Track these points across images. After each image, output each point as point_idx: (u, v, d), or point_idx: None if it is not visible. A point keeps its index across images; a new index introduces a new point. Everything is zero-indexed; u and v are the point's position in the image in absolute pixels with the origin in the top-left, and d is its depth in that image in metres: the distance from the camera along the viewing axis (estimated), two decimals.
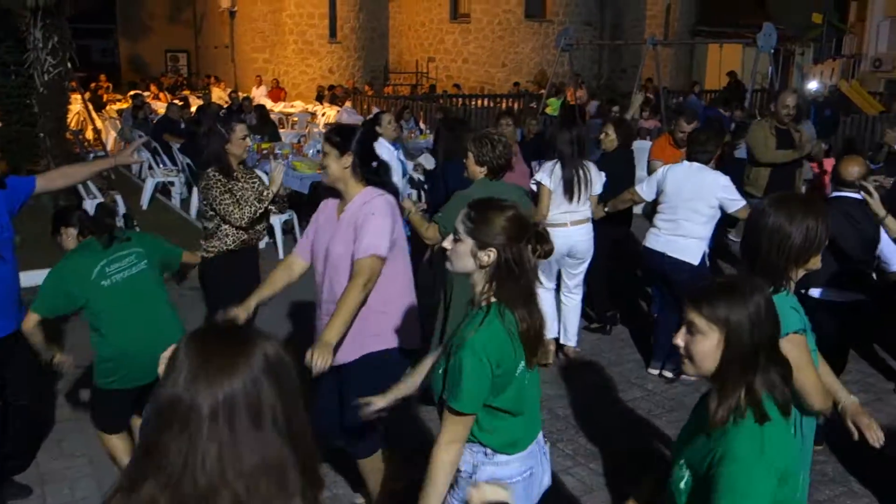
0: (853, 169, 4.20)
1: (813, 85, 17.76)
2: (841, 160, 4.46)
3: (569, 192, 5.22)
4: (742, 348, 1.86)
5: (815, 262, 2.53)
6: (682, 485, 1.91)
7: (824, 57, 26.97)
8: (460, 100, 19.29)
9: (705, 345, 1.88)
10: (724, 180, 5.09)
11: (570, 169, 5.23)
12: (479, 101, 19.27)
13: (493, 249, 2.21)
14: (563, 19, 23.98)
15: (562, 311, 5.62)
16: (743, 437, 1.81)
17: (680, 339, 1.94)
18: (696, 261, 5.07)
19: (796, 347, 2.37)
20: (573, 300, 5.62)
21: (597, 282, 6.15)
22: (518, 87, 22.31)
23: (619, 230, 6.19)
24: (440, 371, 2.27)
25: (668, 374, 5.32)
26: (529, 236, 2.24)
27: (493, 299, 2.24)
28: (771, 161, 6.49)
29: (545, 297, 5.46)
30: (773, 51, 13.32)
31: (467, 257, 2.25)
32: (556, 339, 5.65)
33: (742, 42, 15.76)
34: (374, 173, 3.32)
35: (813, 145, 6.93)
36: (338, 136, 3.30)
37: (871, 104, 17.05)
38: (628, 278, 7.19)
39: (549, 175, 5.26)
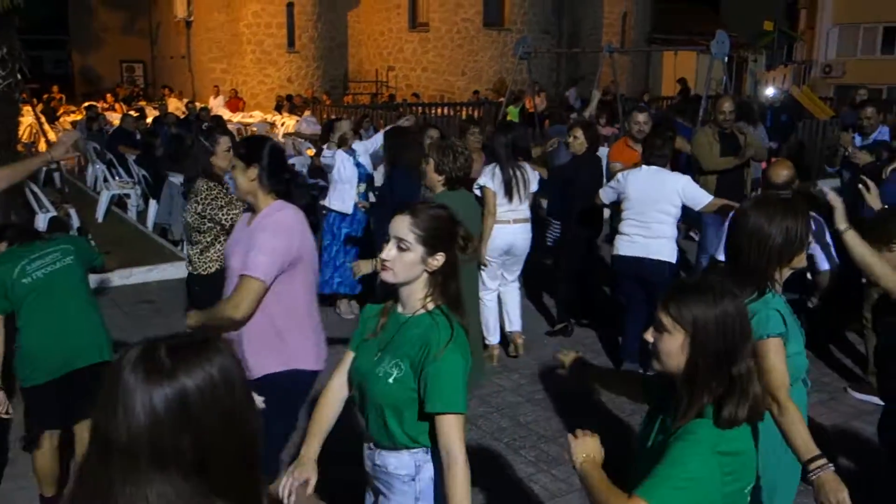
0: (782, 172, 4.38)
1: (770, 91, 18.12)
2: (771, 164, 4.62)
3: (508, 192, 5.46)
4: (707, 351, 1.87)
5: (800, 261, 2.55)
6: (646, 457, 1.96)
7: (776, 63, 27.59)
8: (420, 108, 19.29)
9: (670, 344, 1.92)
10: (683, 180, 5.25)
11: (508, 170, 5.46)
12: (440, 110, 19.30)
13: (443, 253, 2.21)
14: (521, 28, 24.15)
15: (503, 303, 5.79)
16: (705, 426, 1.85)
17: (649, 335, 1.98)
18: (674, 259, 5.24)
19: (771, 351, 2.41)
20: (512, 290, 5.80)
21: (569, 285, 6.27)
22: (478, 96, 22.40)
23: (591, 230, 6.31)
24: (412, 380, 2.19)
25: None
26: (460, 236, 2.28)
27: (433, 304, 2.23)
28: (714, 169, 6.58)
29: (490, 297, 5.65)
30: (726, 58, 13.55)
31: (416, 265, 2.21)
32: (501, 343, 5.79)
33: (696, 49, 16.03)
34: (284, 185, 3.15)
35: (755, 148, 7.02)
36: (244, 148, 3.20)
37: (821, 109, 17.43)
38: (599, 282, 7.25)
39: (490, 178, 5.45)
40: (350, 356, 2.41)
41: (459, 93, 23.64)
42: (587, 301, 6.56)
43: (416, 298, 2.25)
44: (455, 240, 2.25)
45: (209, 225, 4.46)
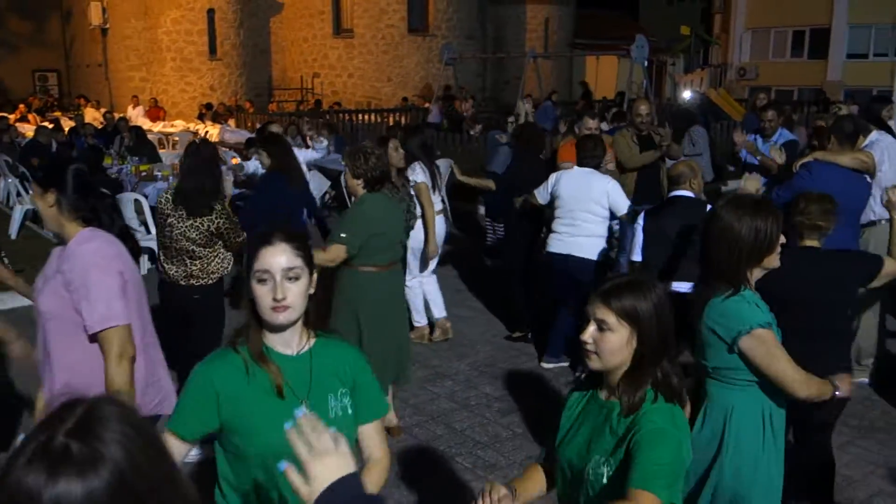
0: (682, 169, 4.67)
1: (687, 94, 18.66)
2: (673, 164, 4.85)
3: (432, 187, 5.95)
4: (652, 340, 1.95)
5: (771, 261, 2.57)
6: (604, 479, 1.95)
7: (694, 67, 28.44)
8: (347, 115, 19.17)
9: (615, 341, 1.95)
10: (611, 185, 5.43)
11: (425, 167, 5.93)
12: (367, 116, 19.22)
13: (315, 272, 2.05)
14: (446, 33, 24.27)
15: (426, 293, 6.18)
16: (656, 414, 1.91)
17: (588, 336, 1.98)
18: (596, 257, 5.40)
19: (763, 342, 2.47)
20: (433, 279, 6.21)
21: (515, 285, 6.43)
22: (406, 102, 22.40)
23: (533, 227, 6.41)
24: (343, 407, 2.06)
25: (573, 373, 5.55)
26: None
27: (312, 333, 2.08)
28: (639, 164, 6.68)
29: (414, 283, 6.10)
30: (646, 62, 13.93)
31: (308, 290, 2.00)
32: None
33: (617, 54, 16.42)
34: (91, 210, 2.74)
35: (668, 144, 7.18)
36: (41, 170, 2.92)
37: (737, 110, 18.03)
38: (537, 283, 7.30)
39: (422, 173, 5.87)
40: None
41: (386, 99, 23.60)
42: (529, 302, 6.61)
43: (301, 334, 2.05)
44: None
45: (207, 237, 4.43)
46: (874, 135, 5.42)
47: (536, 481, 2.24)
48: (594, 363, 1.99)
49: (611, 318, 1.95)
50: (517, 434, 4.76)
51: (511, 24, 26.99)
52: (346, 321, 4.17)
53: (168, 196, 4.49)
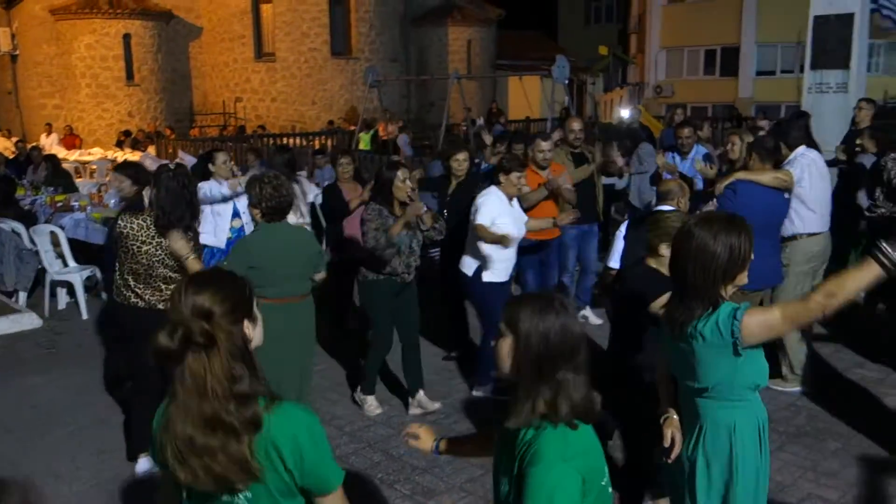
0: (672, 186, 4.80)
1: (625, 112, 19.05)
2: (664, 181, 4.98)
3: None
4: (530, 355, 1.95)
5: (742, 279, 2.57)
6: (510, 499, 1.96)
7: (613, 86, 29.16)
8: (272, 139, 18.93)
9: (503, 346, 2.01)
10: (479, 199, 5.39)
11: (291, 185, 5.87)
12: (292, 140, 19.01)
13: None
14: (370, 56, 24.28)
15: None
16: (547, 442, 1.90)
17: (493, 341, 2.08)
18: (470, 272, 5.43)
19: (754, 317, 2.48)
20: None
21: (455, 305, 6.42)
22: (331, 125, 22.28)
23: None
24: None
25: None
26: None
27: None
28: (577, 180, 6.77)
29: None
30: (567, 81, 14.19)
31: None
32: None
33: (539, 74, 16.68)
34: None
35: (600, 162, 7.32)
36: None
37: (655, 126, 18.55)
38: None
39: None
40: None
41: (311, 122, 23.43)
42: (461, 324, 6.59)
43: None
44: None
45: (182, 257, 4.31)
46: (801, 150, 5.59)
47: (474, 444, 2.50)
48: (499, 372, 2.06)
49: (502, 325, 2.03)
50: (455, 458, 4.72)
51: (434, 47, 27.22)
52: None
53: (142, 223, 4.31)
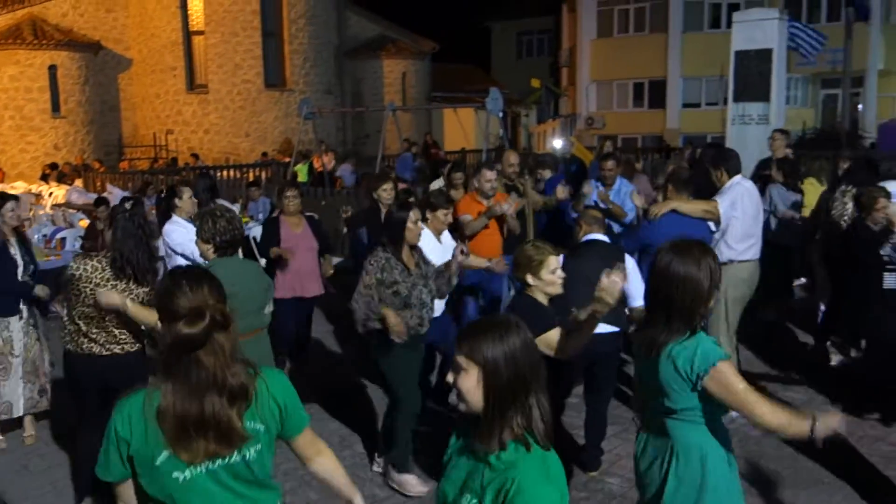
0: (599, 214, 4.92)
1: (559, 143, 19.42)
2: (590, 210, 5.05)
3: None
4: (500, 382, 1.95)
5: (713, 297, 2.71)
6: None
7: (546, 117, 29.72)
8: (204, 171, 18.63)
9: (468, 381, 1.98)
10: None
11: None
12: (225, 172, 18.76)
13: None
14: (304, 88, 24.23)
15: None
16: (528, 467, 1.91)
17: (450, 377, 2.03)
18: None
19: (728, 373, 2.58)
20: None
21: None
22: (265, 157, 22.08)
23: None
24: None
25: None
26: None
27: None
28: (471, 234, 6.78)
29: None
30: (501, 113, 14.40)
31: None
32: None
33: (473, 106, 16.89)
34: None
35: (534, 198, 7.42)
36: None
37: (588, 157, 18.93)
38: None
39: None
40: None
41: (245, 154, 23.19)
42: None
43: None
44: None
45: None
46: (738, 178, 5.75)
47: None
48: (461, 406, 2.02)
49: (461, 359, 1.99)
50: (395, 492, 4.66)
51: (369, 79, 27.35)
52: None
53: (96, 264, 4.14)
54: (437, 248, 5.36)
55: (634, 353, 2.90)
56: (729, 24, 11.97)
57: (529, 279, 3.73)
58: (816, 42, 14.88)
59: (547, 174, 8.31)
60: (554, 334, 3.58)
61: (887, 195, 5.76)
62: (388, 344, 4.47)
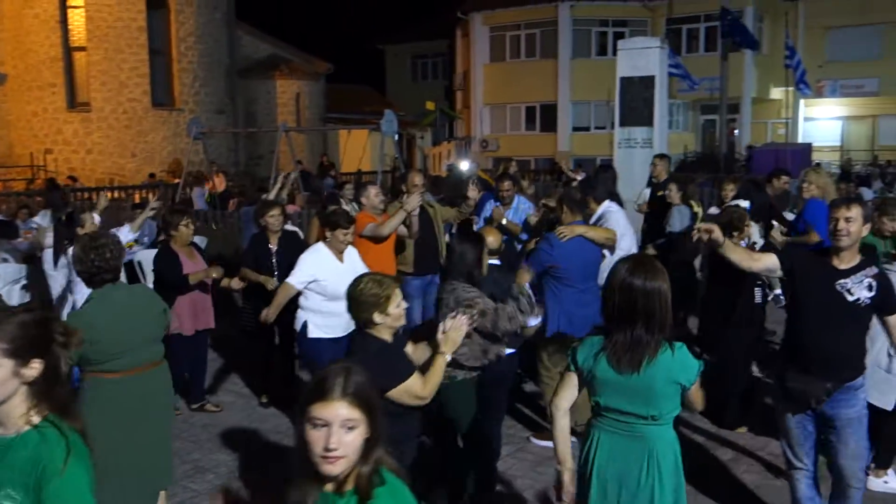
0: (490, 238, 4.81)
1: (465, 165, 19.60)
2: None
3: None
4: (381, 423, 1.93)
5: None
6: None
7: (441, 140, 30.03)
8: (86, 193, 17.80)
9: (355, 439, 1.88)
10: (302, 255, 5.46)
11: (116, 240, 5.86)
12: (110, 194, 17.96)
13: (39, 360, 1.98)
14: (194, 108, 23.60)
15: None
16: (388, 500, 1.90)
17: (333, 442, 1.86)
18: (299, 327, 5.33)
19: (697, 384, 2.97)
20: None
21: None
22: (153, 178, 21.30)
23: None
24: None
25: None
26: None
27: (38, 417, 1.98)
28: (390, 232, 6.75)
29: None
30: (396, 135, 14.44)
31: (8, 381, 1.94)
32: None
33: (368, 128, 16.87)
34: None
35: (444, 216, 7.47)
36: None
37: (489, 179, 19.21)
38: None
39: None
40: None
41: (131, 175, 22.30)
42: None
43: (17, 416, 1.97)
44: (52, 340, 2.02)
45: None
46: (606, 204, 5.97)
47: None
48: (340, 466, 1.87)
49: (355, 413, 1.88)
50: None
51: (262, 99, 26.90)
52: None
53: None
54: (338, 268, 5.29)
55: (599, 367, 2.98)
56: (614, 52, 12.43)
57: (377, 318, 3.34)
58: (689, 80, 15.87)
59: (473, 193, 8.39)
60: (415, 381, 3.32)
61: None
62: (464, 388, 4.41)
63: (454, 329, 3.31)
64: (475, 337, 4.22)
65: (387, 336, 3.40)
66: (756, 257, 4.09)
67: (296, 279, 5.23)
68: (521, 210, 7.51)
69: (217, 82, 25.23)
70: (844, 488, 3.91)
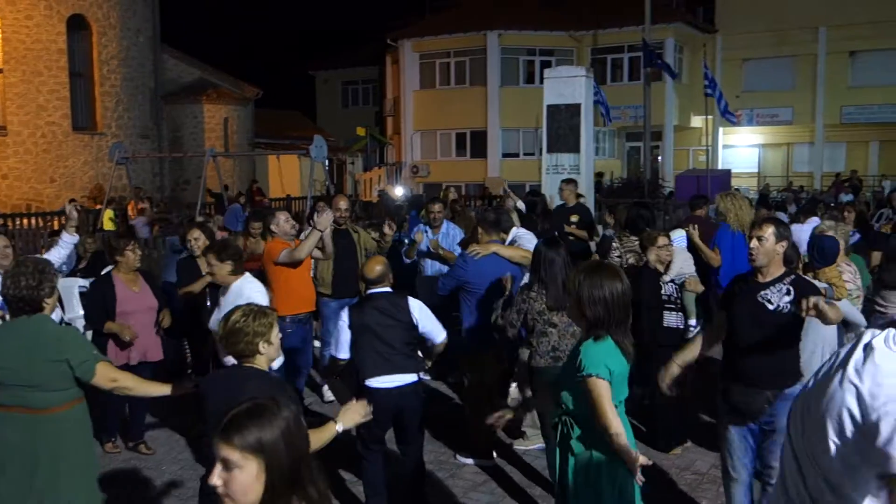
0: (379, 269, 4.74)
1: (399, 190, 19.60)
2: (366, 261, 5.02)
3: None
4: (282, 469, 1.82)
5: None
6: None
7: (372, 165, 30.01)
8: (0, 219, 17.11)
9: (245, 478, 1.81)
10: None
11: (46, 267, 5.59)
12: (26, 220, 17.31)
13: None
14: (117, 132, 23.02)
15: None
16: None
17: (217, 479, 1.82)
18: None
19: (595, 387, 3.06)
20: None
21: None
22: (75, 204, 20.61)
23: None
24: None
25: None
26: None
27: None
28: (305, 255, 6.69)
29: None
30: (326, 160, 14.38)
31: None
32: None
33: (297, 153, 16.75)
34: None
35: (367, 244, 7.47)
36: None
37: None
38: None
39: None
40: None
41: (50, 201, 21.53)
42: None
43: None
44: None
45: None
46: (514, 230, 6.28)
47: None
48: None
49: (234, 455, 1.81)
50: None
51: (188, 124, 26.42)
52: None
53: None
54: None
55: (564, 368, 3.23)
56: (542, 80, 12.68)
57: (262, 348, 3.23)
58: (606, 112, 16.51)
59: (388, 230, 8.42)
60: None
61: (667, 236, 6.28)
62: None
63: (355, 410, 3.23)
64: None
65: (265, 366, 3.29)
66: None
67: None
68: (450, 235, 7.58)
69: (141, 106, 24.69)
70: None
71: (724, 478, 4.32)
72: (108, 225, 15.47)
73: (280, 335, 3.33)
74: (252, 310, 3.27)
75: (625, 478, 3.07)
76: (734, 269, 6.23)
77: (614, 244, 7.27)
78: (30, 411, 3.65)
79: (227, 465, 1.80)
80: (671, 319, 5.79)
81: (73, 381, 3.75)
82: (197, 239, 6.34)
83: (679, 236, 7.74)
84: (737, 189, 18.88)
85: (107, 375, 3.82)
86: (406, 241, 7.89)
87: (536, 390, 5.01)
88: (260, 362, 3.25)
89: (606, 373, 3.08)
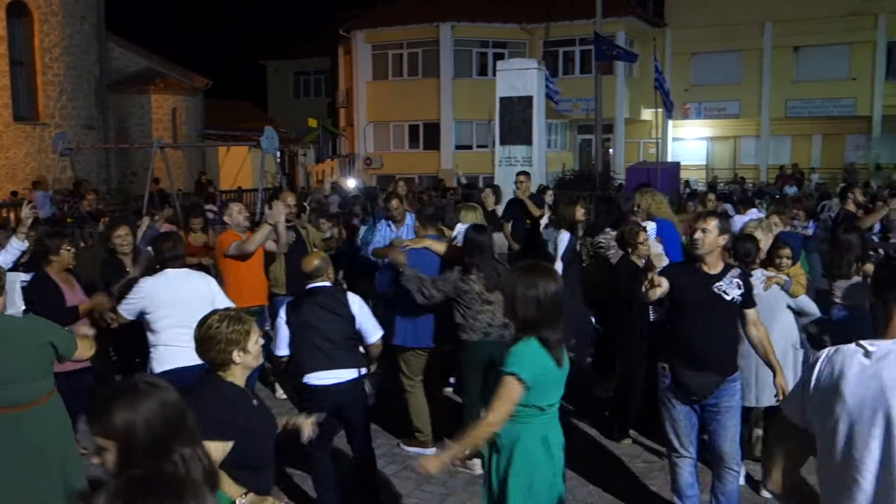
0: (317, 263, 4.73)
1: (352, 182, 19.44)
2: (306, 256, 5.04)
3: None
4: (139, 452, 1.86)
5: None
6: None
7: (324, 157, 29.75)
8: None
9: (107, 461, 1.90)
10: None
11: None
12: None
13: None
14: (61, 122, 22.41)
15: None
16: None
17: (96, 460, 1.92)
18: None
19: (506, 384, 3.11)
20: None
21: None
22: (15, 196, 20.03)
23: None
24: None
25: None
26: None
27: None
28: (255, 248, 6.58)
29: None
30: (277, 152, 14.20)
31: None
32: None
33: (248, 144, 16.51)
34: None
35: (317, 240, 7.41)
36: None
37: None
38: None
39: None
40: None
41: None
42: None
43: None
44: None
45: None
46: (459, 226, 6.32)
47: None
48: None
49: (100, 441, 1.90)
50: None
51: (135, 114, 25.83)
52: None
53: None
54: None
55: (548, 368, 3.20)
56: (494, 73, 12.70)
57: (237, 357, 2.95)
58: (555, 93, 16.44)
59: (333, 231, 8.36)
60: (226, 448, 2.85)
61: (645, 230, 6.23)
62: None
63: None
64: None
65: (240, 380, 3.02)
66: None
67: (126, 309, 5.05)
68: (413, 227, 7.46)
69: (86, 96, 24.09)
70: (725, 472, 4.30)
71: (671, 458, 4.48)
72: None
73: (261, 342, 3.06)
74: (227, 315, 2.99)
75: (537, 471, 3.19)
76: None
77: (578, 246, 7.12)
78: (15, 409, 3.65)
79: (101, 452, 1.91)
80: (655, 314, 5.77)
81: (50, 368, 3.85)
82: (121, 236, 6.15)
83: (652, 227, 7.68)
84: (686, 182, 19.16)
85: (84, 344, 4.03)
86: (369, 237, 7.81)
87: (464, 364, 5.14)
88: (235, 373, 2.98)
89: (525, 375, 3.09)
